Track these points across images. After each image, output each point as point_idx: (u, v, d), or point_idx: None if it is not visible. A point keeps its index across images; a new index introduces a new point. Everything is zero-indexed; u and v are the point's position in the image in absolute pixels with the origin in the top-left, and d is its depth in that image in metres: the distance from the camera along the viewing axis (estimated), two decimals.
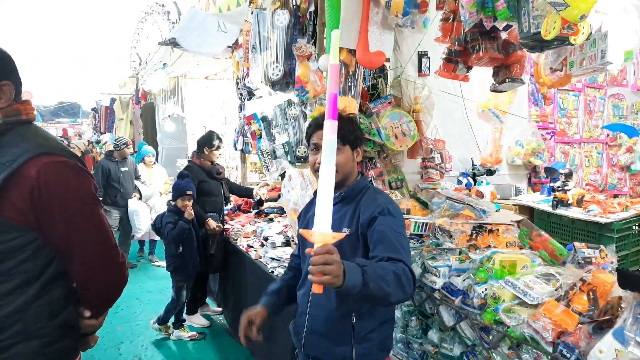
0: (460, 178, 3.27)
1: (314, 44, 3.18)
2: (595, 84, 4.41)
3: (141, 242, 6.91)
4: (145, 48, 9.19)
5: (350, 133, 1.73)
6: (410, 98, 3.37)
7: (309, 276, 1.23)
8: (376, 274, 1.39)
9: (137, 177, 6.35)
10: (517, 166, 3.79)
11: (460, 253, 2.13)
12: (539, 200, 3.00)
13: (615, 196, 3.53)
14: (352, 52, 2.66)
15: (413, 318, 2.13)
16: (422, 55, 3.50)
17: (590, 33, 1.58)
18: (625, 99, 4.63)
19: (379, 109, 3.24)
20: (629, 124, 4.54)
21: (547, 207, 2.85)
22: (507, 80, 2.54)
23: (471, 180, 3.19)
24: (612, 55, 1.83)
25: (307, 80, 2.99)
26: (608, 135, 4.47)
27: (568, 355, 1.43)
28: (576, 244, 1.74)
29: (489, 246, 2.08)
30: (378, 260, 1.47)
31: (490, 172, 3.34)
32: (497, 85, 2.63)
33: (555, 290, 1.66)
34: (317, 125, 1.73)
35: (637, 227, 2.64)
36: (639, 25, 2.06)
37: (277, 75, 2.99)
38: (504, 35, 2.55)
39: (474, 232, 2.20)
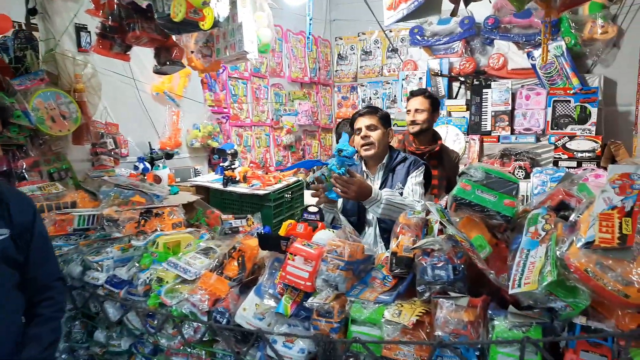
0: (137, 163, 3.12)
1: None
2: (259, 74, 5.03)
3: None
4: None
5: None
6: (70, 76, 2.96)
7: None
8: None
9: None
10: (196, 149, 3.94)
11: (127, 242, 2.02)
12: (213, 180, 3.20)
13: (279, 171, 4.16)
14: None
15: (77, 323, 1.90)
16: (80, 29, 3.11)
17: (218, 21, 1.71)
18: (284, 88, 5.49)
19: (28, 86, 2.71)
20: (288, 110, 5.42)
21: (219, 186, 3.07)
22: (167, 63, 2.53)
23: (148, 165, 3.10)
24: (247, 45, 2.05)
25: None
26: (272, 119, 5.21)
27: (221, 319, 1.54)
28: (223, 216, 1.90)
29: (156, 230, 2.05)
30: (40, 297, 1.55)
31: (168, 156, 3.33)
32: (159, 67, 2.60)
33: (213, 262, 1.77)
34: None
35: (288, 195, 3.17)
36: (271, 22, 2.40)
37: None
38: None
39: (142, 218, 2.12)
